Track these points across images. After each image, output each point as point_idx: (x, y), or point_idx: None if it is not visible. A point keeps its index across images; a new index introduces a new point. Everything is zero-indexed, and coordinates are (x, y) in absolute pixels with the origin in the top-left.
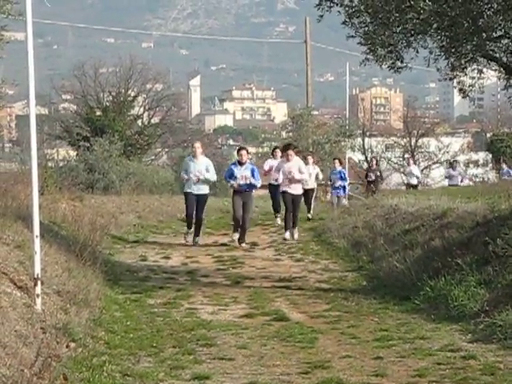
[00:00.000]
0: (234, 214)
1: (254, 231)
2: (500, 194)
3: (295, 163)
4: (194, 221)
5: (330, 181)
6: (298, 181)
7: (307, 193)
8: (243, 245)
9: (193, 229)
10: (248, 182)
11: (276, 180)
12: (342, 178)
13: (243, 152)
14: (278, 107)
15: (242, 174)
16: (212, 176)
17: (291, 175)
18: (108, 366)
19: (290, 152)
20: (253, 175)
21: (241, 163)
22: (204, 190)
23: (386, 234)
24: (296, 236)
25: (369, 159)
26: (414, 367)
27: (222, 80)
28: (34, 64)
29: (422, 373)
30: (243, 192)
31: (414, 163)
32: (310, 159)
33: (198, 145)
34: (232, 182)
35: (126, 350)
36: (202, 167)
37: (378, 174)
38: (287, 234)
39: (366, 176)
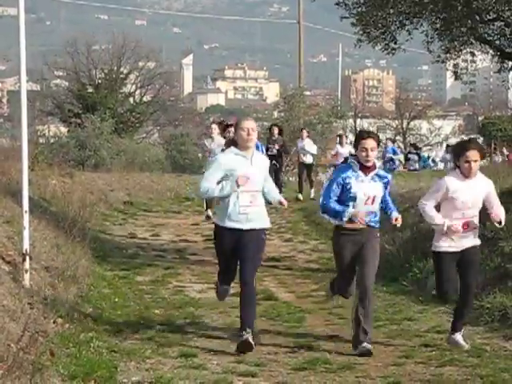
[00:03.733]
0: (337, 277)
1: None
2: (490, 177)
3: (482, 184)
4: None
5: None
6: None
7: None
8: (367, 346)
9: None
10: (375, 209)
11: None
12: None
13: (371, 142)
14: (271, 87)
15: (368, 191)
16: (276, 194)
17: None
18: (95, 343)
19: (474, 154)
20: (386, 195)
21: (365, 167)
22: (261, 220)
23: None
24: (462, 342)
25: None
26: (401, 348)
27: (215, 59)
28: (26, 40)
29: (409, 354)
30: (363, 230)
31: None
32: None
33: (252, 124)
34: (347, 213)
35: (113, 326)
36: (258, 173)
37: (282, 146)
38: (458, 337)
39: (267, 150)
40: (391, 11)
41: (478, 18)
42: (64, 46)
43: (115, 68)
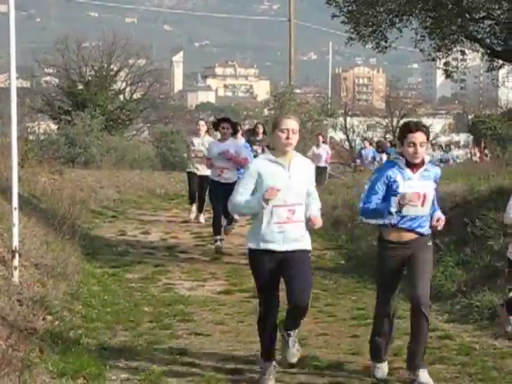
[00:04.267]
0: (377, 307)
1: None
2: (479, 175)
3: None
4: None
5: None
6: None
7: None
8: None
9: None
10: (425, 212)
11: None
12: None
13: (421, 136)
14: (261, 85)
15: (418, 191)
16: (314, 209)
17: None
18: (84, 340)
19: None
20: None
21: (412, 164)
22: (302, 241)
23: None
24: None
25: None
26: (391, 346)
27: (205, 56)
28: (16, 37)
29: (398, 352)
30: (411, 241)
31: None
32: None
33: (294, 124)
34: (394, 203)
35: (102, 323)
36: (298, 183)
37: (267, 146)
38: None
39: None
40: (381, 9)
41: (468, 16)
42: (54, 43)
43: (105, 65)
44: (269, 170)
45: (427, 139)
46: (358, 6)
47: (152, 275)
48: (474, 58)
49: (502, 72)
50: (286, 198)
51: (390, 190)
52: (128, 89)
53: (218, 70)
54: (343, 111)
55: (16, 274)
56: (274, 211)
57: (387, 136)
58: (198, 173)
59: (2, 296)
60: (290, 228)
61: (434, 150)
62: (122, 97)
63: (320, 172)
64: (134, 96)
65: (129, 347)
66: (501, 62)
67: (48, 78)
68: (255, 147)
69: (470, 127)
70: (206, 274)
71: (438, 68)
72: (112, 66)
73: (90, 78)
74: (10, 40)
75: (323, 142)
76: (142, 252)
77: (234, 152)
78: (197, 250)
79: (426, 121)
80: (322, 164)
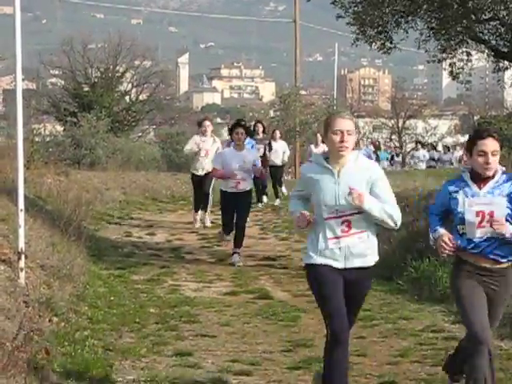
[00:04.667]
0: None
1: None
2: None
3: None
4: None
5: None
6: None
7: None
8: None
9: None
10: (497, 234)
11: None
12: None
13: (492, 144)
14: (267, 86)
15: (483, 210)
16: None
17: None
18: (90, 341)
19: None
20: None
21: (480, 177)
22: (366, 255)
23: None
24: None
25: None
26: (396, 347)
27: (211, 58)
28: (22, 38)
29: (404, 353)
30: (490, 269)
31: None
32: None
33: (349, 125)
34: (432, 235)
35: (108, 325)
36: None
37: (268, 145)
38: None
39: None
40: (387, 10)
41: (473, 17)
42: (60, 44)
43: (111, 67)
44: (315, 178)
45: (500, 148)
46: (364, 7)
47: (158, 277)
48: (479, 59)
49: (508, 73)
50: (338, 208)
51: (452, 207)
52: (134, 90)
53: (224, 72)
54: (349, 112)
55: (22, 275)
56: (327, 225)
57: (393, 137)
58: (202, 173)
59: (9, 297)
60: (349, 242)
61: (428, 150)
62: (127, 98)
63: None
64: (140, 97)
65: (135, 348)
66: (506, 63)
67: (54, 80)
68: (257, 146)
69: (475, 128)
70: (212, 276)
71: (444, 69)
72: (118, 68)
73: (95, 80)
74: (15, 42)
75: (322, 141)
76: (147, 253)
77: (253, 162)
78: (202, 251)
79: (431, 122)
80: None
